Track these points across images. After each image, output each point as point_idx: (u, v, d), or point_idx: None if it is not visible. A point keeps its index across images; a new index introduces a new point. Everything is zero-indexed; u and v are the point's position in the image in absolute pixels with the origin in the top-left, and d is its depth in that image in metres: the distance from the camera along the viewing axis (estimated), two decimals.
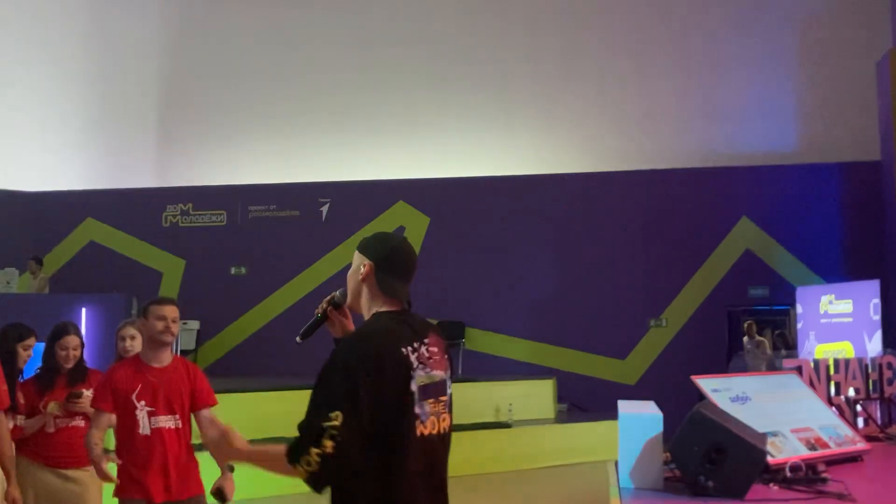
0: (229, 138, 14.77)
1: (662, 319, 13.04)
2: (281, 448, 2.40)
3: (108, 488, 4.87)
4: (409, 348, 2.47)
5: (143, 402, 4.04)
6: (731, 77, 13.85)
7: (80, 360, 4.72)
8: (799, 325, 11.84)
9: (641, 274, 13.05)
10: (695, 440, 3.06)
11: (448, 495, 2.60)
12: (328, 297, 2.75)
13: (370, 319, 2.56)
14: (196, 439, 4.25)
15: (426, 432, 2.47)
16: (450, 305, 13.21)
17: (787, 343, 11.78)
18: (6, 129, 14.41)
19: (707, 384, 3.61)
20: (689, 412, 3.16)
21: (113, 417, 4.15)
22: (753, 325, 11.94)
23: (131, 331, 5.04)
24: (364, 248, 2.61)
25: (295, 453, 2.33)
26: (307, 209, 14.06)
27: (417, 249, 14.53)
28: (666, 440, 3.23)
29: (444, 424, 2.57)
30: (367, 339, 2.43)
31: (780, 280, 12.76)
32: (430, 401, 2.50)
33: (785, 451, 3.43)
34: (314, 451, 2.29)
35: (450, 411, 2.63)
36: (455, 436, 8.82)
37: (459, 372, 12.81)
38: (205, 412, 4.20)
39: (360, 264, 2.58)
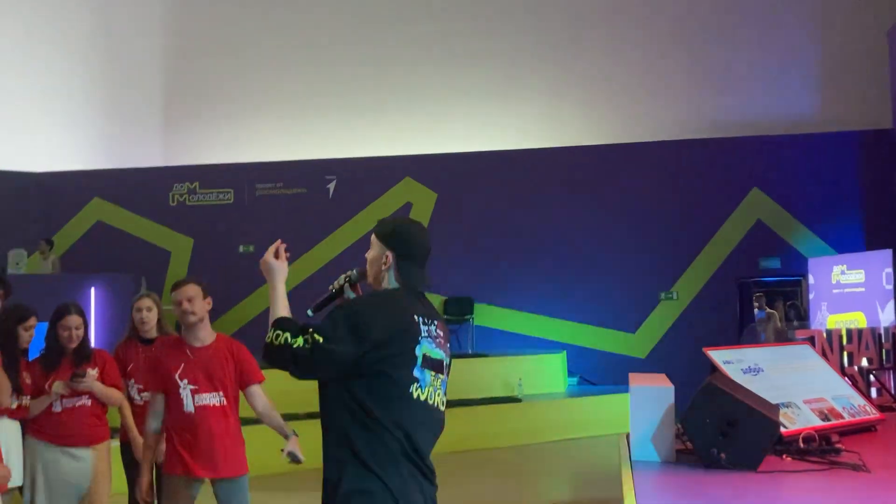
0: (235, 116, 14.72)
1: (673, 292, 12.99)
2: (278, 316, 2.64)
3: (117, 467, 4.88)
4: (420, 318, 2.66)
5: (185, 381, 4.15)
6: (741, 46, 13.69)
7: (85, 340, 4.70)
8: (811, 296, 11.78)
9: (651, 247, 12.98)
10: (707, 412, 3.04)
11: (433, 465, 2.67)
12: (345, 275, 2.87)
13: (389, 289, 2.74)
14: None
15: (423, 398, 2.60)
16: (458, 281, 13.18)
17: (799, 314, 11.73)
18: (12, 110, 14.38)
19: (719, 356, 3.58)
20: (702, 384, 3.13)
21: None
22: (763, 297, 11.89)
23: (147, 302, 5.09)
24: (384, 238, 2.77)
25: (277, 327, 2.56)
26: (314, 187, 14.01)
27: (425, 225, 14.48)
28: (677, 413, 3.21)
29: (439, 400, 2.69)
30: (384, 297, 2.67)
31: (792, 251, 12.68)
32: (432, 372, 2.64)
33: (798, 421, 3.40)
34: (287, 334, 2.51)
35: (445, 392, 2.76)
36: (465, 410, 8.90)
37: (469, 349, 12.82)
38: (253, 388, 4.34)
39: (381, 254, 2.74)
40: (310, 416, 7.98)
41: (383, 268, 2.73)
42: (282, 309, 2.68)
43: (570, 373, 12.14)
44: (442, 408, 2.70)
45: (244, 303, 13.40)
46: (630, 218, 13.12)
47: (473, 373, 10.82)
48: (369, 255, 2.79)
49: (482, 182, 13.57)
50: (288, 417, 7.99)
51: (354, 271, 2.86)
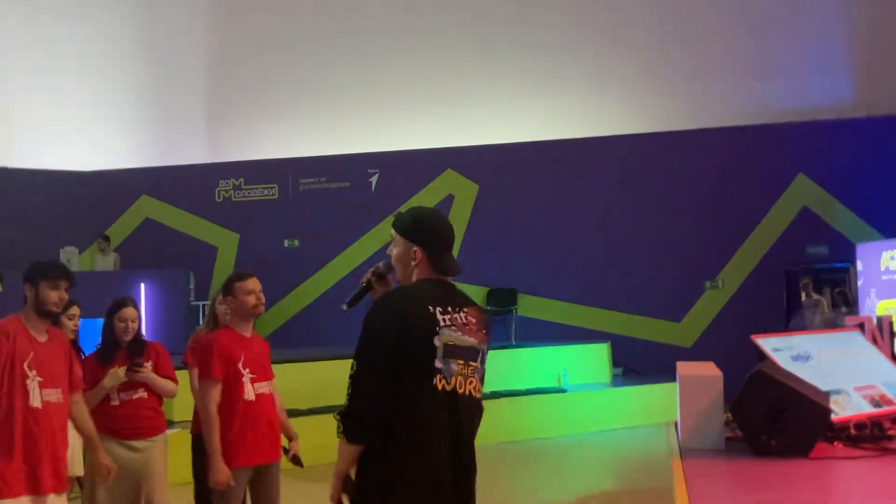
0: (278, 112, 14.85)
1: (718, 280, 12.87)
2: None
3: (173, 458, 4.99)
4: (439, 308, 2.63)
5: (247, 370, 4.27)
6: (782, 30, 13.48)
7: (138, 334, 4.82)
8: (860, 283, 11.59)
9: (696, 235, 12.87)
10: (756, 399, 3.04)
11: (475, 456, 2.70)
12: (372, 269, 2.91)
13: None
14: None
15: (448, 388, 2.59)
16: (501, 272, 13.20)
17: (847, 300, 11.54)
18: (63, 110, 14.65)
19: (767, 343, 3.57)
20: (750, 372, 3.13)
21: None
22: (810, 284, 11.74)
23: None
24: (408, 233, 2.75)
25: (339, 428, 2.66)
26: (357, 180, 14.11)
27: (467, 217, 14.36)
28: (726, 401, 3.21)
29: (472, 387, 2.68)
30: (392, 297, 2.68)
31: (840, 237, 12.48)
32: (459, 361, 2.62)
33: (849, 408, 3.38)
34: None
35: (480, 379, 2.75)
36: (510, 401, 8.97)
37: (513, 340, 12.82)
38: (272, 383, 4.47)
39: (409, 251, 2.73)
40: (312, 412, 8.07)
41: (412, 264, 2.73)
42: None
43: (615, 363, 12.09)
44: (474, 393, 2.69)
45: (290, 296, 13.55)
46: (674, 206, 13.01)
47: (518, 364, 10.84)
48: (394, 251, 2.79)
49: (524, 173, 13.55)
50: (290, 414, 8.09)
51: (382, 265, 2.89)
